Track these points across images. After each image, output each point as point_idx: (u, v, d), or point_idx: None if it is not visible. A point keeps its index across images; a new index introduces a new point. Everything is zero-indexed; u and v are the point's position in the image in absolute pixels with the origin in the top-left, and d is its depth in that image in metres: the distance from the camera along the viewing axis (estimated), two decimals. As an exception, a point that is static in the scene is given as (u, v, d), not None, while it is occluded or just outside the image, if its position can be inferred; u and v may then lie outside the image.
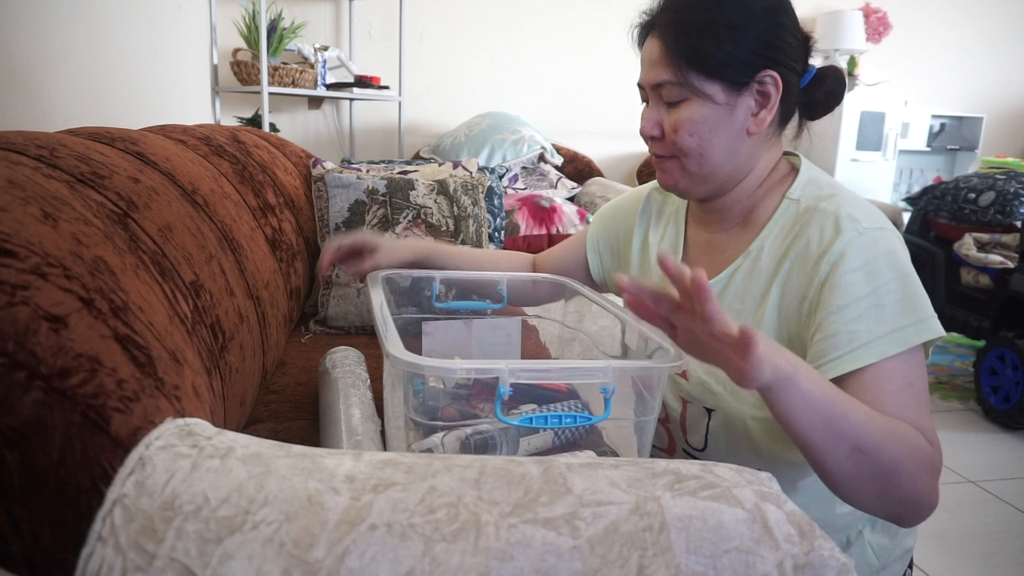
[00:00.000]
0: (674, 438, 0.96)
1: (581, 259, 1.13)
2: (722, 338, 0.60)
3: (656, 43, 0.81)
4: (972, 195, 2.69)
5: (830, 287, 0.75)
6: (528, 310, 1.27)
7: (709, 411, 0.88)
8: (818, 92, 0.86)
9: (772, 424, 0.81)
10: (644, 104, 0.87)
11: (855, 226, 0.77)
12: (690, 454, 0.94)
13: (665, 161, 0.85)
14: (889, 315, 0.73)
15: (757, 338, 0.58)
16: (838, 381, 0.72)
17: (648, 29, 0.84)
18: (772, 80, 0.79)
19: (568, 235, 2.62)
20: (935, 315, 0.76)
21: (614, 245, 1.09)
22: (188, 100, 2.47)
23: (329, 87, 2.74)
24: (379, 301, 0.90)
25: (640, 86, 0.86)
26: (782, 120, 0.86)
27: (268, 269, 1.22)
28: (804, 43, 0.85)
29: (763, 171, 0.86)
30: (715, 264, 0.90)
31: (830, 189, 0.83)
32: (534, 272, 1.18)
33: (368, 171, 1.91)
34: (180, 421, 0.50)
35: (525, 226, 2.60)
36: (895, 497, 0.67)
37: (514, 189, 2.82)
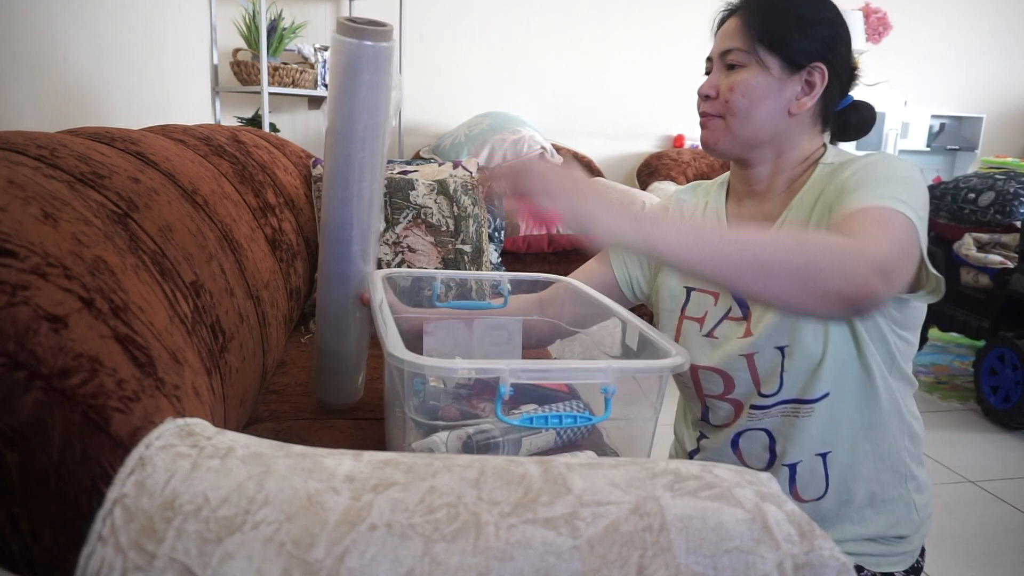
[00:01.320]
0: (742, 404, 0.97)
1: (608, 276, 1.13)
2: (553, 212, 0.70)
3: (736, 20, 0.94)
4: (972, 195, 2.69)
5: (850, 174, 0.85)
6: (527, 310, 1.27)
7: (782, 349, 0.91)
8: (852, 117, 0.98)
9: (839, 345, 0.88)
10: (706, 76, 0.97)
11: (879, 152, 0.88)
12: (760, 407, 0.94)
13: (712, 119, 0.95)
14: (900, 191, 0.79)
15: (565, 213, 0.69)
16: (843, 216, 0.79)
17: (732, 13, 0.96)
18: (820, 73, 0.91)
19: (569, 235, 2.62)
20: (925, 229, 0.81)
21: (645, 257, 1.10)
22: (188, 100, 2.47)
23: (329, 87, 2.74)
24: (379, 301, 0.90)
25: (709, 58, 0.97)
26: (823, 121, 0.96)
27: (268, 269, 1.22)
28: (851, 67, 0.96)
29: (804, 152, 0.95)
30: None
31: (879, 155, 0.91)
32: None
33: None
34: (180, 421, 0.50)
35: (525, 226, 2.60)
36: (825, 289, 0.68)
37: None
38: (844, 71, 0.94)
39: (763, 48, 0.90)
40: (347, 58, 0.87)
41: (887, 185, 0.81)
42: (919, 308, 0.91)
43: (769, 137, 0.93)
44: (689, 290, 1.04)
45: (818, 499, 0.95)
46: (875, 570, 0.95)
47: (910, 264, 0.76)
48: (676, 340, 1.03)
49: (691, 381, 1.01)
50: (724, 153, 0.96)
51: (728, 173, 1.06)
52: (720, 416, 1.00)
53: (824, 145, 0.97)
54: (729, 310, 0.97)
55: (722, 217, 1.04)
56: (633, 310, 0.99)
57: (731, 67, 0.93)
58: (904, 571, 0.96)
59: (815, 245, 0.70)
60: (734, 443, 0.98)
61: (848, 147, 3.63)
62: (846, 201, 0.81)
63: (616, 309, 0.97)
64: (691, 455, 1.05)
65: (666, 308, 1.06)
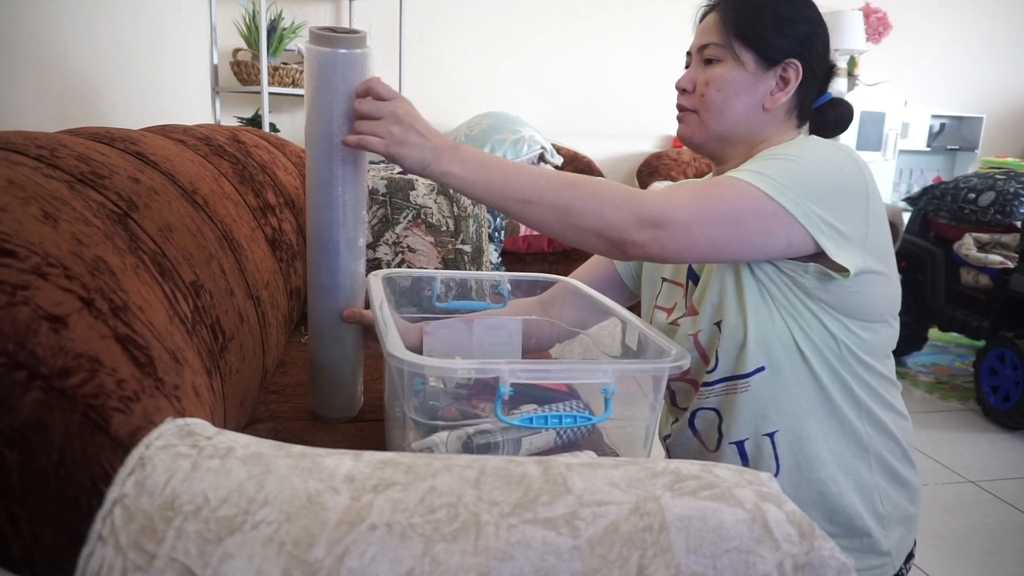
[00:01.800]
0: (696, 383, 0.98)
1: (610, 270, 1.15)
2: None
3: (714, 15, 0.95)
4: (972, 195, 2.69)
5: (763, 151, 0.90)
6: (528, 310, 1.27)
7: (718, 324, 0.93)
8: (829, 115, 1.00)
9: (761, 323, 0.89)
10: (686, 69, 1.00)
11: (807, 138, 0.93)
12: (707, 384, 0.96)
13: (688, 115, 0.97)
14: (776, 168, 0.83)
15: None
16: None
17: (710, 9, 0.98)
18: (795, 69, 0.92)
19: (568, 235, 2.62)
20: (844, 236, 0.83)
21: None
22: (188, 100, 2.47)
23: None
24: (379, 301, 0.90)
25: (688, 53, 0.99)
26: (799, 117, 0.97)
27: (268, 269, 1.22)
28: (828, 66, 0.97)
29: (775, 144, 0.95)
30: None
31: (799, 138, 0.95)
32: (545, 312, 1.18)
33: (368, 171, 1.91)
34: (180, 421, 0.50)
35: (525, 226, 2.60)
36: (582, 227, 0.81)
37: None
38: (820, 68, 0.96)
39: (739, 43, 0.92)
40: (320, 67, 0.86)
41: (762, 162, 0.85)
42: (856, 293, 0.87)
43: (743, 132, 0.95)
44: (663, 280, 1.07)
45: (772, 477, 0.93)
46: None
47: (727, 228, 0.81)
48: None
49: None
50: (699, 147, 0.99)
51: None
52: (683, 397, 1.02)
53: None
54: (687, 295, 1.01)
55: None
56: (631, 309, 0.99)
57: (708, 62, 0.94)
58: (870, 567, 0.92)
59: (582, 189, 0.81)
60: (691, 424, 0.99)
61: (850, 133, 3.60)
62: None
63: (616, 309, 0.97)
64: (664, 439, 1.07)
65: (646, 297, 1.10)
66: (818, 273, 0.85)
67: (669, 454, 1.07)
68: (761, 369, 0.89)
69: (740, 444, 0.94)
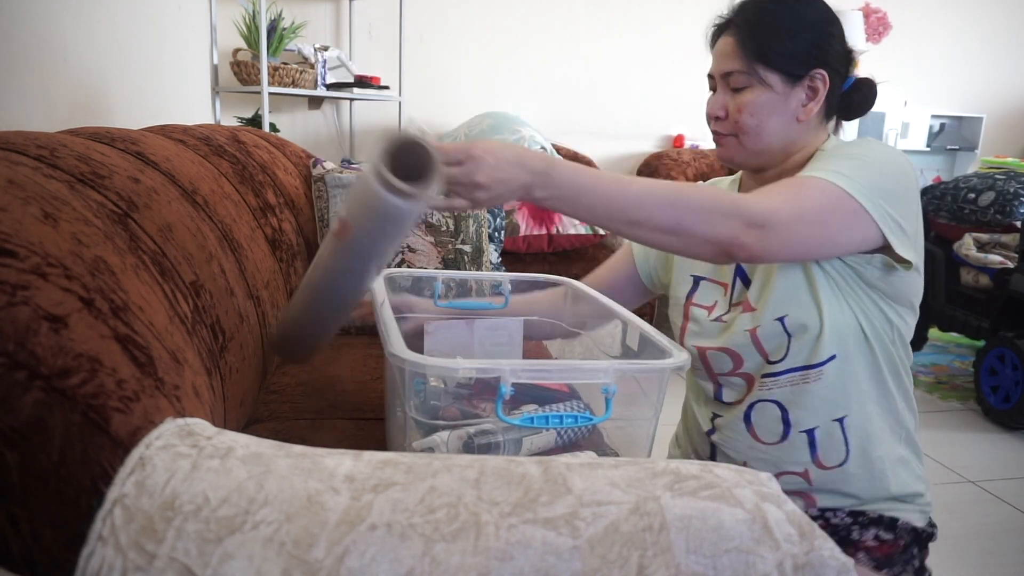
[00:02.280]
0: (753, 377, 1.00)
1: (630, 269, 1.18)
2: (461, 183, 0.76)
3: (730, 40, 0.97)
4: (972, 195, 2.69)
5: (827, 150, 0.95)
6: (528, 311, 1.27)
7: (782, 320, 0.96)
8: (855, 97, 1.02)
9: (834, 314, 0.93)
10: (712, 92, 1.01)
11: (867, 139, 0.96)
12: (771, 375, 0.98)
13: (725, 138, 1.00)
14: (850, 167, 0.87)
15: (472, 144, 0.76)
16: None
17: (723, 29, 0.99)
18: (821, 77, 0.95)
19: (569, 235, 2.62)
20: (905, 232, 0.88)
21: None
22: (188, 100, 2.47)
23: (329, 87, 2.74)
24: (380, 301, 0.90)
25: (711, 76, 1.01)
26: (827, 113, 1.00)
27: (268, 269, 1.22)
28: (847, 55, 1.01)
29: (813, 147, 1.00)
30: None
31: (858, 139, 0.98)
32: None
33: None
34: (180, 421, 0.50)
35: (525, 226, 2.60)
36: (692, 240, 0.83)
37: None
38: (841, 65, 0.99)
39: (761, 67, 0.94)
40: (382, 210, 0.73)
41: (837, 161, 0.89)
42: (907, 283, 0.93)
43: (781, 146, 0.98)
44: (697, 279, 1.08)
45: (841, 464, 0.97)
46: (909, 523, 1.00)
47: (817, 227, 0.84)
48: (685, 324, 1.07)
49: (701, 363, 1.04)
50: (741, 165, 1.03)
51: (740, 172, 1.10)
52: (734, 393, 1.03)
53: (829, 135, 1.02)
54: (741, 300, 1.02)
55: None
56: (634, 310, 0.99)
57: (735, 89, 0.96)
58: (927, 524, 1.01)
59: (688, 205, 0.81)
60: (747, 418, 1.01)
61: (851, 130, 3.60)
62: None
63: (617, 310, 0.97)
64: (708, 434, 1.07)
65: (675, 295, 1.11)
66: (882, 264, 0.91)
67: (715, 451, 1.08)
68: (833, 358, 0.94)
69: (811, 432, 0.97)
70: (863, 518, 0.99)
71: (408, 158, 0.72)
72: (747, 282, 1.01)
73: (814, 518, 0.99)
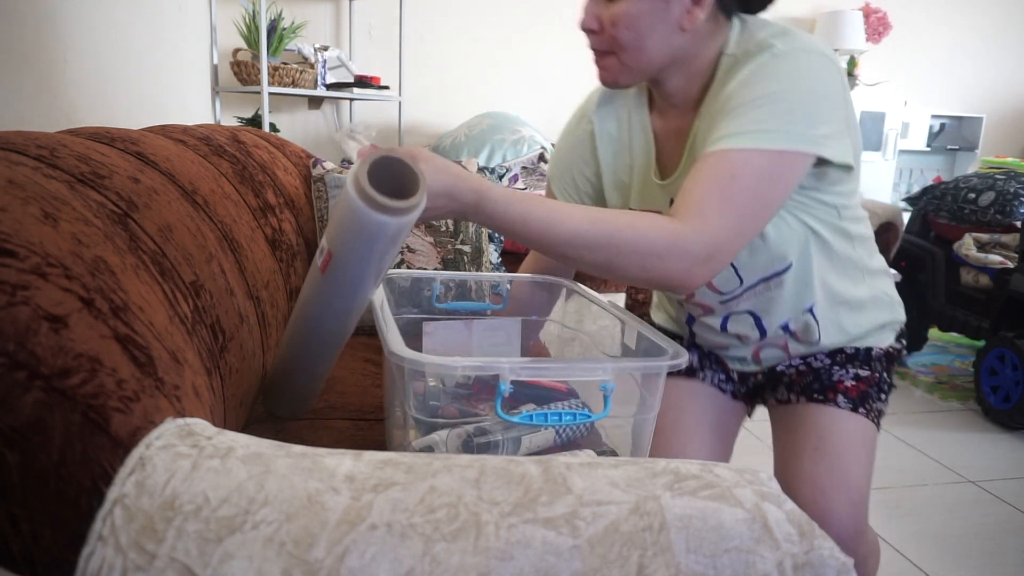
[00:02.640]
0: (710, 305, 1.02)
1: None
2: None
3: None
4: (972, 195, 2.69)
5: (736, 85, 0.83)
6: (527, 311, 1.27)
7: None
8: None
9: (778, 225, 0.92)
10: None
11: (770, 50, 0.83)
12: (729, 299, 1.00)
13: (604, 57, 0.90)
14: (767, 116, 0.79)
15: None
16: (704, 156, 0.82)
17: None
18: None
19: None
20: (835, 136, 0.83)
21: (585, 176, 1.09)
22: (188, 100, 2.47)
23: (329, 87, 2.74)
24: (379, 301, 0.90)
25: None
26: (724, 10, 0.88)
27: (268, 269, 1.22)
28: None
29: (712, 52, 0.89)
30: (680, 150, 0.96)
31: (762, 31, 0.87)
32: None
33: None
34: (180, 421, 0.50)
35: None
36: (628, 278, 0.79)
37: (514, 189, 2.82)
38: None
39: None
40: (364, 228, 0.69)
41: (752, 113, 0.80)
42: (843, 160, 0.86)
43: (670, 59, 0.88)
44: (631, 184, 1.05)
45: (817, 340, 1.02)
46: (882, 348, 1.06)
47: (760, 212, 0.81)
48: None
49: None
50: (628, 86, 0.95)
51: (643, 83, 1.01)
52: (696, 311, 1.06)
53: (730, 34, 0.90)
54: None
55: (648, 133, 1.00)
56: (631, 310, 0.99)
57: None
58: (896, 337, 1.08)
59: (620, 247, 0.76)
60: (723, 327, 1.04)
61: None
62: (714, 131, 0.82)
63: (615, 309, 0.97)
64: (688, 323, 1.09)
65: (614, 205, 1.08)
66: (818, 172, 0.88)
67: (693, 337, 1.11)
68: (789, 266, 0.95)
69: (785, 325, 1.01)
70: (840, 356, 1.04)
71: (385, 177, 0.69)
72: None
73: (794, 366, 1.07)
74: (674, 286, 0.79)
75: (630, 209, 1.03)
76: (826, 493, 0.90)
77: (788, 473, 0.96)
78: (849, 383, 1.01)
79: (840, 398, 1.00)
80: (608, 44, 0.88)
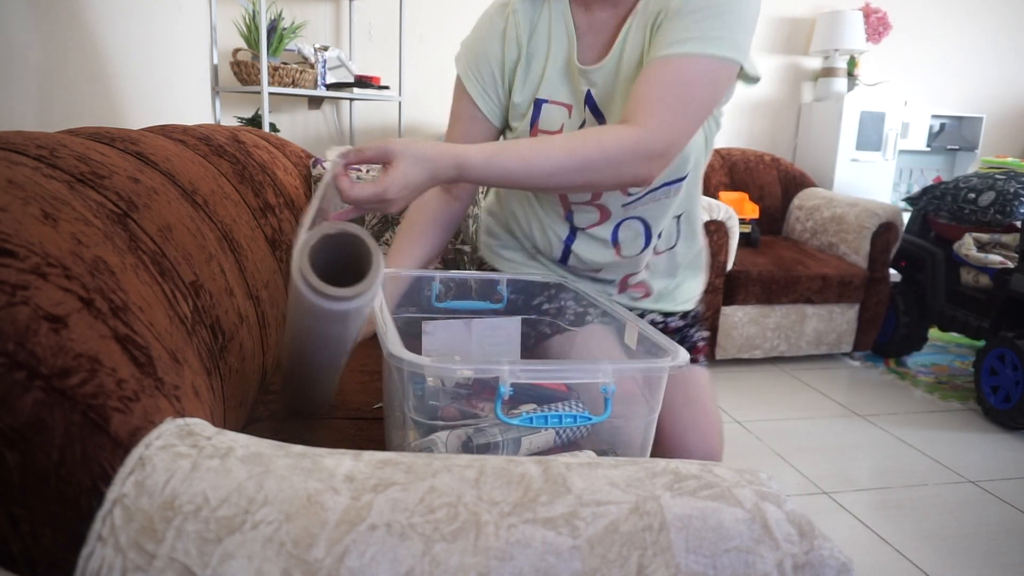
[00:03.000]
0: (608, 209, 1.09)
1: (480, 119, 1.11)
2: (376, 201, 0.78)
3: None
4: (972, 195, 2.69)
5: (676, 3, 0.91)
6: (527, 312, 1.27)
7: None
8: None
9: None
10: None
11: None
12: (631, 201, 1.07)
13: None
14: (713, 25, 0.87)
15: (385, 183, 0.76)
16: (654, 62, 0.90)
17: None
18: None
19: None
20: (747, 46, 0.91)
21: (497, 64, 1.09)
22: (188, 100, 2.47)
23: (329, 87, 2.74)
24: (378, 301, 0.90)
25: None
26: None
27: (268, 269, 1.22)
28: None
29: None
30: (605, 43, 1.01)
31: None
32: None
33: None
34: (180, 421, 0.50)
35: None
36: (605, 187, 0.92)
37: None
38: None
39: None
40: (310, 310, 0.65)
41: (705, 20, 0.87)
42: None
43: None
44: (539, 102, 1.06)
45: (671, 248, 1.14)
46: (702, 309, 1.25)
47: (705, 113, 0.89)
48: None
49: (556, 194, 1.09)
50: None
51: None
52: (584, 219, 1.09)
53: None
54: (584, 122, 1.04)
55: (569, 24, 1.03)
56: (632, 309, 0.99)
57: None
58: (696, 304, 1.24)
59: (593, 165, 0.85)
60: (614, 237, 1.10)
61: (837, 145, 3.60)
62: (662, 37, 0.90)
63: (614, 310, 0.97)
64: (567, 242, 1.13)
65: (520, 126, 1.08)
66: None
67: (568, 255, 1.14)
68: (687, 175, 1.04)
69: (659, 234, 1.11)
70: (690, 316, 1.21)
71: (341, 247, 0.65)
72: (600, 116, 1.02)
73: (656, 324, 1.20)
74: (638, 182, 0.89)
75: (538, 98, 1.06)
76: (698, 430, 1.10)
77: (665, 421, 1.09)
78: (700, 344, 1.21)
79: (701, 358, 1.20)
80: None
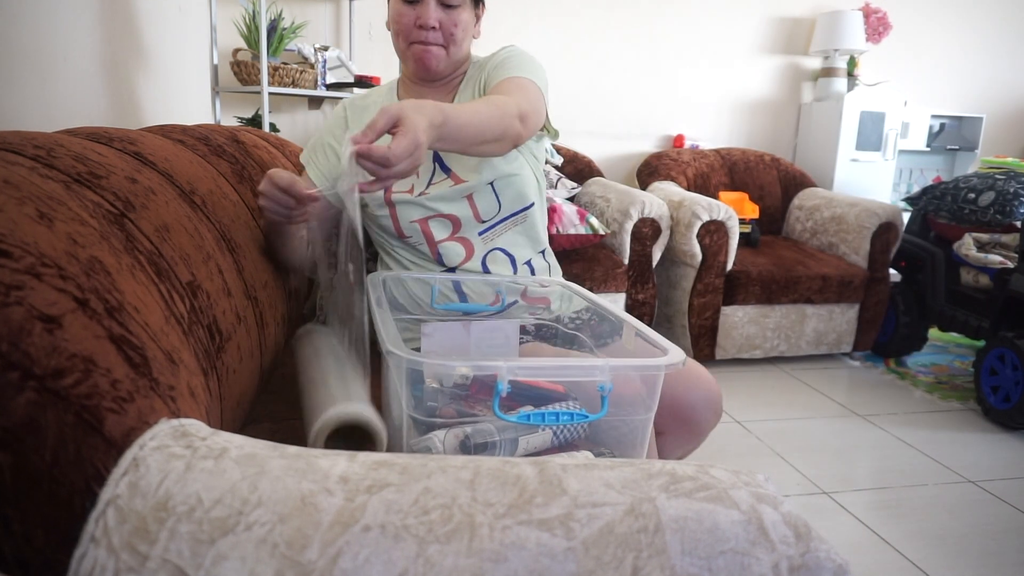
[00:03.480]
0: (470, 242, 1.26)
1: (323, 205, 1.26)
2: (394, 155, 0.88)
3: None
4: (972, 195, 2.69)
5: (499, 59, 1.24)
6: (527, 312, 1.27)
7: (492, 183, 1.24)
8: None
9: (523, 167, 1.28)
10: (408, 4, 1.19)
11: (506, 48, 1.27)
12: (487, 229, 1.27)
13: (433, 48, 1.21)
14: (531, 70, 1.21)
15: (414, 130, 0.85)
16: (501, 81, 1.18)
17: None
18: (482, 3, 1.26)
19: (568, 235, 2.61)
20: (546, 87, 1.23)
21: (336, 156, 1.31)
22: (188, 100, 2.47)
23: (329, 87, 2.74)
24: (377, 302, 0.90)
25: None
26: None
27: (267, 270, 1.21)
28: None
29: (466, 62, 1.31)
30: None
31: (509, 49, 1.29)
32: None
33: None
34: (175, 422, 0.50)
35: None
36: (506, 134, 1.07)
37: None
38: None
39: None
40: None
41: (521, 67, 1.20)
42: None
43: (464, 57, 1.26)
44: None
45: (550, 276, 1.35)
46: None
47: (539, 115, 1.15)
48: (394, 211, 1.24)
49: (422, 235, 1.24)
50: (441, 74, 1.25)
51: (392, 82, 1.36)
52: (453, 256, 1.25)
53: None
54: (432, 174, 1.25)
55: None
56: (630, 311, 0.99)
57: (447, 5, 1.18)
58: None
59: (500, 114, 1.05)
60: (484, 268, 1.26)
61: (836, 145, 3.58)
62: (498, 75, 1.20)
63: (612, 310, 0.97)
64: (456, 287, 1.26)
65: (371, 198, 1.26)
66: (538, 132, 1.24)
67: (464, 290, 1.26)
68: (532, 204, 1.27)
69: (528, 263, 1.30)
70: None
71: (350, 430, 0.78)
72: (444, 166, 1.25)
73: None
74: (516, 139, 1.10)
75: None
76: (691, 376, 1.19)
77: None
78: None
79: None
80: (444, 40, 1.20)
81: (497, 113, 1.06)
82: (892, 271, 2.97)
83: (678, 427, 1.12)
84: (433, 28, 1.17)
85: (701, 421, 1.12)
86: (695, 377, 1.13)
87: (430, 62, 1.21)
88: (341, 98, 2.97)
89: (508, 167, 1.22)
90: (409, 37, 1.20)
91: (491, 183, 1.22)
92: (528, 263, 1.29)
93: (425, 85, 1.28)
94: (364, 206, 1.27)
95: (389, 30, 1.25)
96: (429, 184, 1.24)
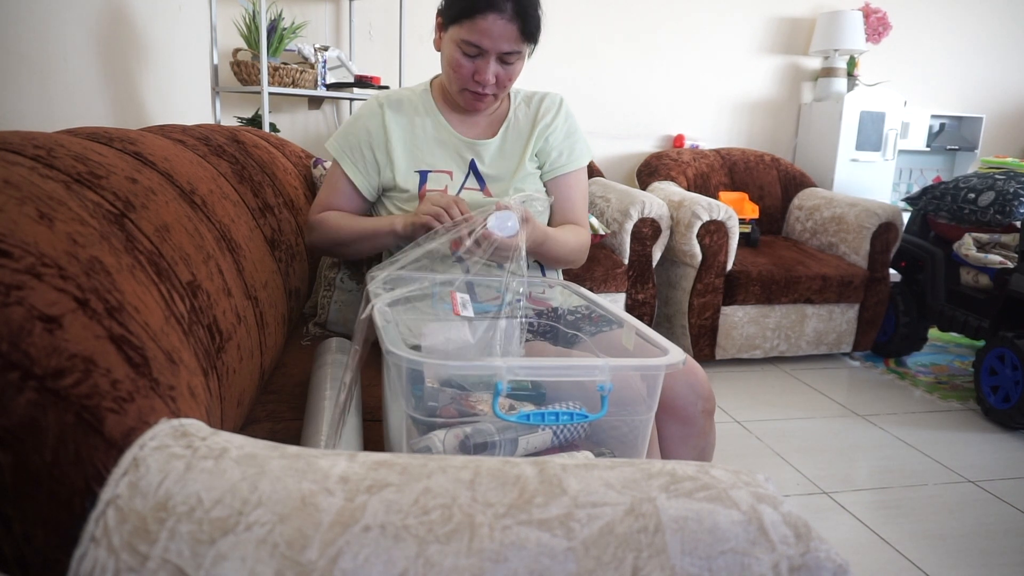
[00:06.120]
0: None
1: (352, 194, 1.36)
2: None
3: (509, 25, 1.17)
4: (972, 195, 2.69)
5: (559, 126, 1.37)
6: (529, 312, 1.27)
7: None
8: None
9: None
10: (465, 56, 1.21)
11: (550, 94, 1.41)
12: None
13: (486, 98, 1.26)
14: (581, 151, 1.40)
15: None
16: (565, 176, 1.39)
17: (492, 7, 1.16)
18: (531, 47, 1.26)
19: (568, 235, 2.62)
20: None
21: (372, 154, 1.34)
22: (188, 100, 2.47)
23: (329, 87, 2.74)
24: (378, 302, 0.90)
25: (474, 44, 1.19)
26: None
27: (267, 269, 1.21)
28: None
29: None
30: (481, 129, 1.37)
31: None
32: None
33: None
34: (175, 422, 0.50)
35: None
36: (574, 262, 1.33)
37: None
38: None
39: (529, 45, 1.22)
40: None
41: (576, 148, 1.39)
42: None
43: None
44: (424, 173, 1.32)
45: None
46: None
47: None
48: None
49: None
50: (481, 112, 1.33)
51: (424, 85, 1.37)
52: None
53: None
54: (466, 178, 1.32)
55: (449, 129, 1.34)
56: (630, 311, 0.99)
57: (506, 63, 1.21)
58: None
59: (580, 252, 1.36)
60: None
61: (836, 145, 3.58)
62: (568, 154, 1.37)
63: (613, 310, 0.97)
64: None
65: (407, 191, 1.31)
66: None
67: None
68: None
69: (539, 262, 1.38)
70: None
71: None
72: (480, 178, 1.33)
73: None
74: (578, 262, 1.38)
75: (424, 163, 1.34)
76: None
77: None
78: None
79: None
80: (495, 91, 1.25)
81: (579, 249, 1.33)
82: (892, 271, 2.97)
83: (664, 415, 1.11)
84: (491, 84, 1.23)
85: (688, 406, 1.10)
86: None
87: (480, 107, 1.28)
88: (341, 98, 2.98)
89: (538, 206, 1.30)
90: (464, 84, 1.24)
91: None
92: (537, 260, 1.35)
93: (470, 113, 1.35)
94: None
95: (437, 50, 1.28)
96: (461, 188, 1.32)
